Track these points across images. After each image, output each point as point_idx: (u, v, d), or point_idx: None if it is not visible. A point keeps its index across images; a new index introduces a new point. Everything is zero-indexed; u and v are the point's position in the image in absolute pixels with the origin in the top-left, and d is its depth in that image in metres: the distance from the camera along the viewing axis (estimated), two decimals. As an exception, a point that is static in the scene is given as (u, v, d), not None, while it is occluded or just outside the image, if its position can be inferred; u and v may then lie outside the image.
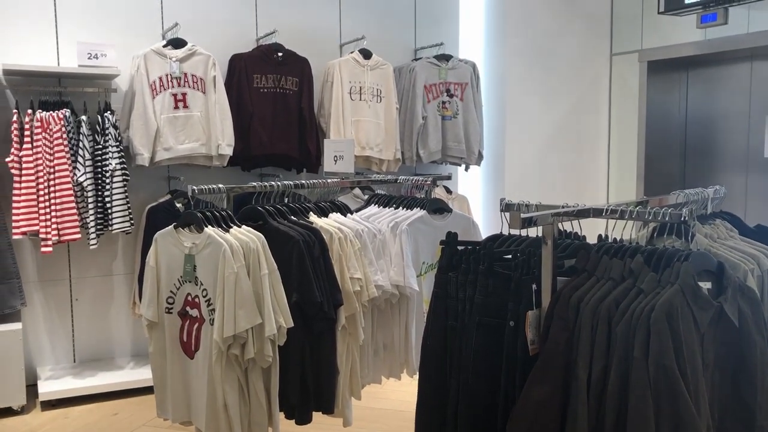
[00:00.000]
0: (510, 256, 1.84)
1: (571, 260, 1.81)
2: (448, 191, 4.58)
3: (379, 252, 2.80)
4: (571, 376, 1.61)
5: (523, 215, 1.59)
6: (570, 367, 1.62)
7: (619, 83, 5.05)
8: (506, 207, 2.03)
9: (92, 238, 3.60)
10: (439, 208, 2.99)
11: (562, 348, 1.62)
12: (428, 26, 4.85)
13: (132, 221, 3.69)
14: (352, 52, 4.40)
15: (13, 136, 3.50)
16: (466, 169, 4.80)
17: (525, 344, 1.72)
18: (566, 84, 4.98)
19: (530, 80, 4.86)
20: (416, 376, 2.87)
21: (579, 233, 2.03)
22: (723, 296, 1.63)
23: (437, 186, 3.90)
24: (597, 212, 1.79)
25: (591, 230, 2.06)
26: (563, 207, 1.84)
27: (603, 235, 1.94)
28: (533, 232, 2.00)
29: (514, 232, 2.04)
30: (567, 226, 1.99)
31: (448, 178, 3.60)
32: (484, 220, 4.80)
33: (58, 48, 3.82)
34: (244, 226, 2.49)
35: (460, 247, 1.93)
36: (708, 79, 4.81)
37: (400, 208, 3.09)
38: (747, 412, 1.66)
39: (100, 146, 3.61)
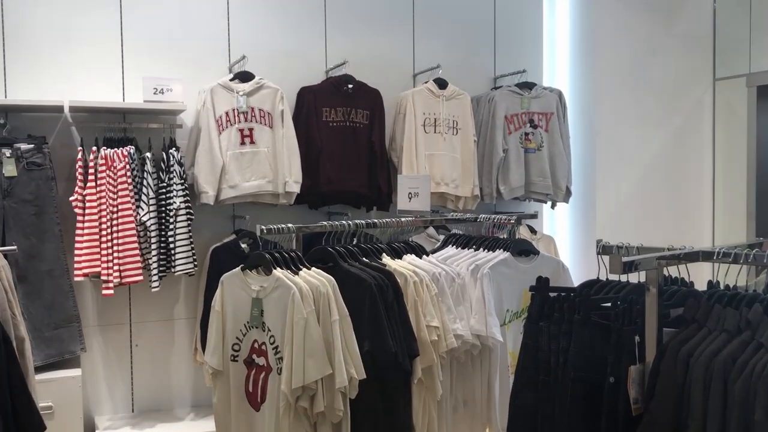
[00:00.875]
0: (608, 305, 1.80)
1: (678, 309, 1.75)
2: (533, 231, 4.53)
3: (458, 298, 2.79)
4: (682, 441, 1.55)
5: (624, 259, 1.56)
6: (679, 430, 1.56)
7: (725, 111, 4.91)
8: (604, 249, 2.00)
9: (154, 281, 3.73)
10: (524, 249, 2.97)
11: (670, 408, 1.57)
12: (509, 53, 4.88)
13: (196, 263, 3.81)
14: (426, 82, 4.46)
15: (77, 175, 3.69)
16: (553, 206, 4.75)
17: (627, 403, 1.67)
18: (663, 112, 4.88)
19: (623, 108, 4.78)
20: (500, 437, 2.83)
21: (686, 279, 1.97)
22: None
23: (521, 225, 3.86)
24: (707, 255, 1.74)
25: (697, 275, 1.99)
26: (668, 249, 1.79)
27: (713, 281, 1.88)
28: (633, 277, 1.96)
29: (612, 277, 2.00)
30: (672, 270, 1.93)
31: (534, 216, 3.57)
32: (573, 264, 4.70)
33: (123, 84, 4.03)
34: (313, 268, 2.54)
35: (551, 294, 1.90)
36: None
37: (481, 249, 3.08)
38: None
39: (165, 184, 3.76)
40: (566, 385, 1.78)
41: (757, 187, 4.71)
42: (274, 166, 3.98)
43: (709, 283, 1.87)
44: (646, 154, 4.86)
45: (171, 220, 3.74)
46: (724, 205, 4.94)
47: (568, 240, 4.95)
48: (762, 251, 1.71)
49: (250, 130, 3.96)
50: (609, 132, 4.75)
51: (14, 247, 2.51)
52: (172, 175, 3.75)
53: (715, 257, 1.72)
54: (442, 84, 4.44)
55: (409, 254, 2.91)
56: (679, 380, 1.57)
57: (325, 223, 2.94)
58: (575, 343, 1.79)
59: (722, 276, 1.88)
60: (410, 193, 3.24)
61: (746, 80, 4.73)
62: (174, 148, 3.80)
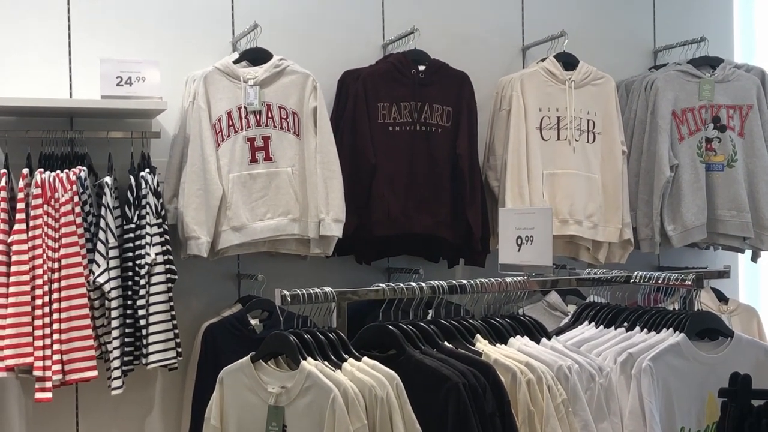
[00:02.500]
0: None
1: None
2: (722, 299, 4.44)
3: (600, 407, 2.75)
4: None
5: None
6: None
7: None
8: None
9: (115, 378, 3.77)
10: (710, 328, 2.90)
11: None
12: (677, 13, 4.85)
13: (180, 349, 3.84)
14: (543, 60, 4.46)
15: (-1, 211, 3.78)
16: (754, 257, 4.65)
17: None
18: None
19: None
20: None
21: None
22: None
23: (703, 289, 3.79)
24: None
25: None
26: None
27: None
28: None
29: None
30: None
31: (726, 274, 3.50)
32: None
33: (70, 71, 4.12)
34: (365, 358, 2.53)
35: (756, 403, 1.85)
36: None
37: (637, 328, 3.03)
38: None
39: (133, 226, 3.82)
40: None
41: None
42: (303, 195, 4.01)
43: None
44: None
45: (142, 281, 3.78)
46: None
47: (780, 313, 4.84)
48: None
49: (265, 139, 4.01)
50: None
51: None
52: (143, 212, 3.81)
53: None
54: (569, 62, 4.43)
55: (519, 336, 2.88)
56: None
57: (383, 285, 2.93)
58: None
59: None
60: (519, 237, 3.21)
61: None
62: (147, 170, 3.86)
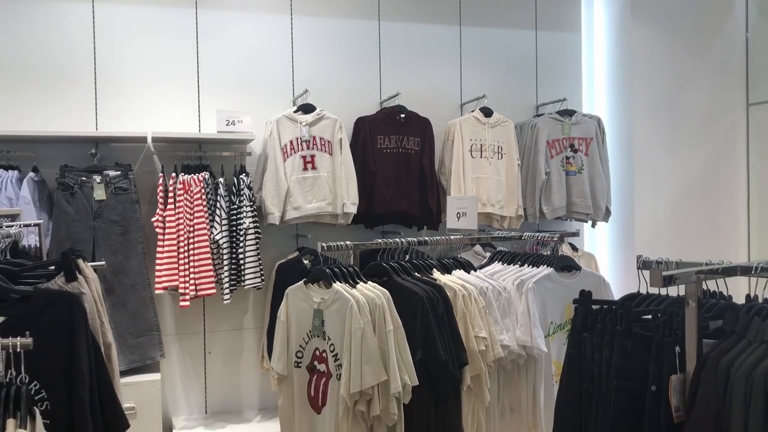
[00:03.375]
0: (650, 317, 1.75)
1: (716, 322, 1.69)
2: (574, 249, 4.45)
3: (504, 311, 2.75)
4: (723, 448, 1.49)
5: (664, 273, 1.51)
6: (721, 438, 1.50)
7: (758, 134, 4.75)
8: (644, 264, 1.94)
9: (226, 294, 3.79)
10: (567, 265, 2.91)
11: (711, 416, 1.50)
12: (550, 82, 4.83)
13: (263, 277, 3.85)
14: (472, 111, 4.45)
15: (158, 198, 3.79)
16: (593, 225, 4.66)
17: (668, 410, 1.61)
18: (698, 136, 4.75)
19: (659, 133, 4.68)
20: (545, 442, 2.76)
21: (724, 293, 1.90)
22: None
23: (564, 243, 3.79)
24: (745, 270, 1.67)
25: (733, 292, 1.92)
26: (706, 264, 1.73)
27: (752, 296, 1.80)
28: (673, 291, 1.90)
29: (652, 291, 1.94)
30: (710, 287, 1.86)
31: (576, 234, 3.51)
32: (613, 280, 4.59)
33: (199, 116, 4.13)
34: (369, 282, 2.54)
35: (594, 307, 1.86)
36: None
37: (526, 265, 3.04)
38: None
39: (236, 206, 3.83)
40: (609, 394, 1.73)
41: (792, 206, 4.53)
42: (334, 189, 4.01)
43: (747, 297, 1.80)
44: (682, 176, 4.73)
45: (241, 238, 3.79)
46: (760, 225, 4.76)
47: (607, 258, 4.84)
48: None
49: (312, 156, 4.01)
50: (646, 155, 4.65)
51: (103, 263, 2.58)
52: (242, 198, 3.81)
53: (753, 272, 1.65)
54: (487, 112, 4.42)
55: (458, 270, 2.89)
56: (720, 389, 1.51)
57: (379, 240, 2.94)
58: (617, 353, 1.73)
59: (758, 292, 1.81)
60: (458, 212, 3.21)
61: (779, 105, 4.57)
62: (244, 174, 3.86)
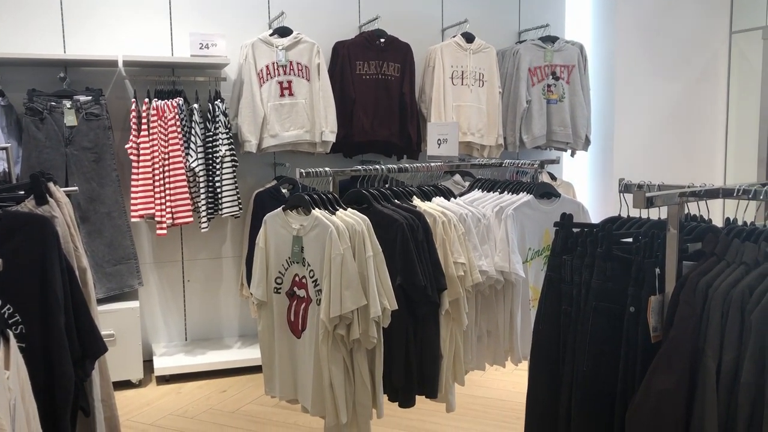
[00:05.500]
0: (630, 240, 1.74)
1: (696, 244, 1.69)
2: (553, 178, 4.43)
3: (483, 237, 2.74)
4: (699, 366, 1.50)
5: (647, 194, 1.49)
6: (697, 357, 1.51)
7: (740, 62, 4.71)
8: (626, 188, 1.92)
9: (203, 222, 3.74)
10: (546, 192, 2.88)
11: (688, 336, 1.51)
12: (532, 8, 4.71)
13: (241, 206, 3.80)
14: (454, 36, 4.33)
15: (131, 124, 3.68)
16: (572, 154, 4.64)
17: (646, 331, 1.62)
18: (680, 64, 4.69)
19: (641, 61, 4.61)
20: (521, 366, 2.81)
21: (704, 217, 1.89)
22: None
23: (543, 170, 3.77)
24: (727, 192, 1.66)
25: (711, 215, 1.92)
26: (688, 187, 1.72)
27: (731, 219, 1.80)
28: (654, 215, 1.89)
29: (633, 214, 1.93)
30: (690, 210, 1.85)
31: (556, 161, 3.48)
32: (591, 208, 4.60)
33: (172, 40, 3.98)
34: (349, 209, 2.50)
35: (574, 230, 1.84)
36: (842, 55, 4.41)
37: (505, 192, 3.01)
38: None
39: (211, 133, 3.73)
40: (587, 315, 1.74)
41: (769, 136, 4.54)
42: (312, 117, 3.92)
43: (727, 220, 1.79)
44: (662, 104, 4.70)
45: (217, 166, 3.72)
46: (737, 152, 4.78)
47: (586, 186, 4.85)
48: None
49: (289, 82, 3.89)
50: (627, 83, 4.60)
51: (75, 188, 2.50)
52: (217, 125, 3.72)
53: (735, 194, 1.64)
54: (469, 38, 4.31)
55: (438, 197, 2.85)
56: (697, 310, 1.51)
57: (359, 167, 2.88)
58: (597, 275, 1.73)
59: (738, 214, 1.81)
60: (439, 139, 3.16)
61: (762, 32, 4.51)
62: (219, 100, 3.76)
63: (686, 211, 1.91)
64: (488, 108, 4.34)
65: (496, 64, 4.37)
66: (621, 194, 1.93)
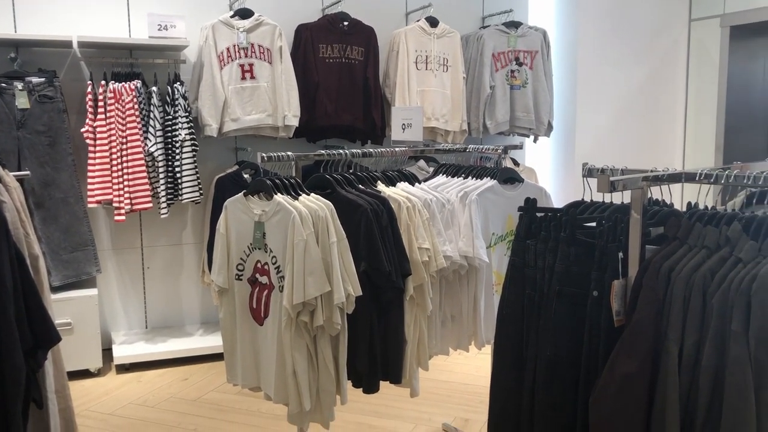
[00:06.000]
0: (593, 224, 1.73)
1: (658, 228, 1.69)
2: (516, 163, 4.45)
3: (447, 222, 2.72)
4: (661, 350, 1.51)
5: (611, 178, 1.48)
6: (659, 341, 1.52)
7: (699, 50, 4.78)
8: (589, 172, 1.92)
9: (163, 208, 3.65)
10: (510, 177, 2.87)
11: (651, 320, 1.52)
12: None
13: (201, 191, 3.72)
14: (418, 21, 4.29)
15: (87, 107, 3.56)
16: (535, 140, 4.65)
17: (609, 315, 1.62)
18: (641, 51, 4.74)
19: (603, 48, 4.64)
20: (484, 350, 2.81)
21: (666, 201, 1.90)
22: (832, 267, 1.49)
23: (507, 155, 3.77)
24: (689, 176, 1.66)
25: (673, 200, 1.93)
26: (651, 171, 1.71)
27: (693, 203, 1.80)
28: (617, 199, 1.89)
29: (596, 198, 1.93)
30: (652, 194, 1.86)
31: (519, 147, 3.48)
32: (553, 193, 4.64)
33: (129, 20, 3.85)
34: (312, 194, 2.46)
35: (538, 214, 1.83)
36: (796, 44, 4.50)
37: (469, 177, 2.99)
38: None
39: (170, 117, 3.63)
40: (551, 299, 1.73)
41: (726, 123, 4.62)
42: (274, 100, 3.85)
43: (689, 204, 1.80)
44: (623, 91, 4.74)
45: (177, 150, 3.63)
46: (695, 139, 4.86)
47: (549, 172, 4.88)
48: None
49: (251, 65, 3.81)
50: (590, 70, 4.62)
51: (27, 172, 2.41)
52: (177, 109, 3.62)
53: (697, 178, 1.64)
54: (433, 22, 4.27)
55: (402, 182, 2.82)
56: (660, 293, 1.52)
57: (322, 152, 2.83)
58: (560, 260, 1.72)
59: (699, 199, 1.82)
60: (403, 124, 3.12)
61: (720, 20, 4.58)
62: (178, 83, 3.66)
63: (649, 196, 1.92)
64: (452, 93, 4.32)
65: (460, 49, 4.34)
66: (584, 179, 1.92)
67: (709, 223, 1.58)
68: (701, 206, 1.78)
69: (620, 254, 1.62)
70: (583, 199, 1.91)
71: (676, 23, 4.80)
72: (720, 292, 1.45)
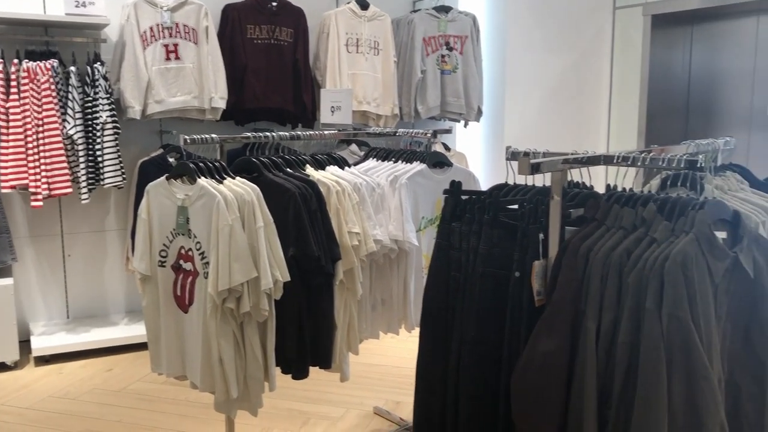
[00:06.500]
0: (515, 207, 1.76)
1: (578, 210, 1.73)
2: (447, 148, 4.48)
3: (377, 206, 2.72)
4: (580, 328, 1.55)
5: (532, 161, 1.50)
6: (578, 319, 1.56)
7: (622, 38, 4.92)
8: (512, 155, 1.95)
9: (83, 193, 3.51)
10: (439, 161, 2.90)
11: (570, 299, 1.55)
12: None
13: (124, 176, 3.59)
14: (348, 2, 4.25)
15: (-1, 87, 3.38)
16: (465, 125, 4.70)
17: (531, 295, 1.65)
18: (568, 38, 4.84)
19: (531, 34, 4.71)
20: (414, 332, 2.83)
21: (587, 184, 1.95)
22: (738, 246, 1.56)
23: (437, 140, 3.80)
24: (608, 159, 1.70)
25: (594, 183, 1.98)
26: (572, 154, 1.75)
27: (612, 185, 1.86)
28: (539, 182, 1.92)
29: (519, 181, 1.96)
30: (573, 177, 1.90)
31: (449, 131, 3.51)
32: (483, 177, 4.71)
33: (44, -4, 3.67)
34: (238, 178, 2.40)
35: (464, 197, 1.84)
36: (713, 34, 4.69)
37: (399, 161, 3.00)
38: (758, 365, 1.60)
39: (90, 98, 3.49)
40: (475, 280, 1.75)
41: (648, 108, 4.78)
42: (200, 82, 3.75)
43: (608, 186, 1.85)
44: (551, 77, 4.84)
45: (98, 134, 3.49)
46: (619, 124, 5.02)
47: (479, 156, 4.94)
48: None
49: (175, 45, 3.69)
50: (518, 56, 4.69)
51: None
52: (97, 90, 3.48)
53: (615, 161, 1.69)
54: (363, 5, 4.24)
55: (332, 166, 2.80)
56: (579, 273, 1.55)
57: (249, 134, 2.78)
58: (484, 242, 1.75)
59: (624, 182, 1.87)
60: (333, 106, 3.10)
61: (642, 9, 4.72)
62: (99, 63, 3.51)
63: (569, 178, 1.96)
64: (383, 77, 4.30)
65: (391, 32, 4.33)
66: (508, 162, 1.95)
67: (626, 205, 1.62)
68: (620, 188, 1.84)
69: (541, 235, 1.65)
70: (506, 182, 1.94)
71: (602, 11, 4.92)
72: (635, 271, 1.50)
